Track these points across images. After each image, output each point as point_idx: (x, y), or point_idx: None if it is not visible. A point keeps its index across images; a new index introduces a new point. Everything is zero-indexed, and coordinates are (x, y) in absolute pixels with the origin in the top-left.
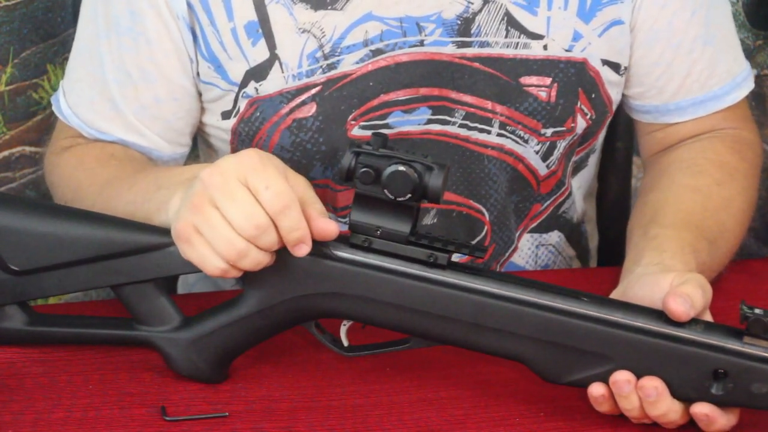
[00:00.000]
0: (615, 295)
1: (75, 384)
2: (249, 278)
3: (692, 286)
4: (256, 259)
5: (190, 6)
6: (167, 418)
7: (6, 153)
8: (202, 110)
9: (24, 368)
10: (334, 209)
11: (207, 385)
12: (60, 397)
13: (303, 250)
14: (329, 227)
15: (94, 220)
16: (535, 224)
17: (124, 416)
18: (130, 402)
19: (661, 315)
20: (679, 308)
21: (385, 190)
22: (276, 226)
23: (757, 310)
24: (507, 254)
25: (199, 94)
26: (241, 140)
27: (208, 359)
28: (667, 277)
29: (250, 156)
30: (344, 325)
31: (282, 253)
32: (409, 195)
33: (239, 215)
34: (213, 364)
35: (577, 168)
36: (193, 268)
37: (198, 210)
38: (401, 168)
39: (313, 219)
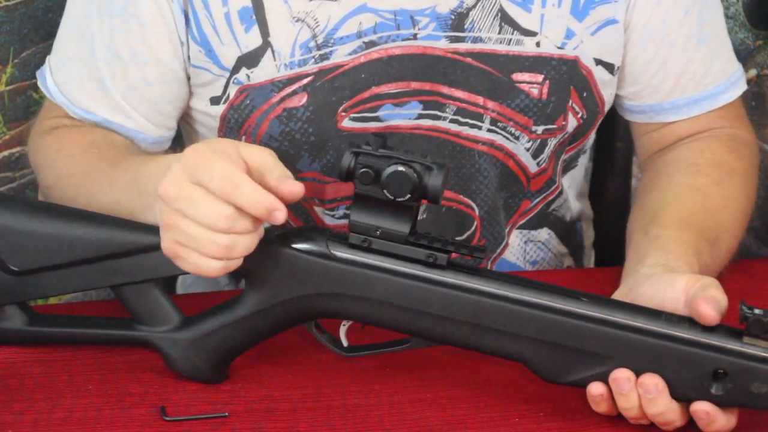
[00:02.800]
0: (619, 294)
1: (75, 384)
2: (249, 278)
3: (718, 291)
4: (246, 243)
5: None
6: (167, 418)
7: (6, 153)
8: (190, 95)
9: (24, 368)
10: (321, 202)
11: (207, 385)
12: (60, 397)
13: (278, 217)
14: (293, 188)
15: (93, 220)
16: (524, 221)
17: (124, 416)
18: (130, 402)
19: (660, 315)
20: (712, 312)
21: (385, 191)
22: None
23: (756, 311)
24: (498, 251)
25: (188, 79)
26: (229, 128)
27: (208, 359)
28: (680, 278)
29: (189, 155)
30: (344, 325)
31: (281, 253)
32: (409, 195)
33: (206, 215)
34: (213, 364)
35: (567, 167)
36: (187, 272)
37: (171, 227)
38: (401, 168)
39: (274, 187)
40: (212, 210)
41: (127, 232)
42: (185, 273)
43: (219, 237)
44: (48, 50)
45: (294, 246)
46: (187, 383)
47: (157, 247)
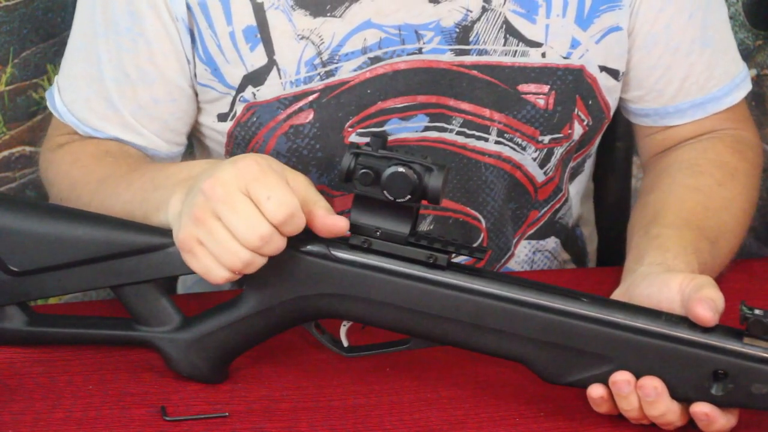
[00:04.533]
0: (617, 294)
1: (75, 384)
2: (249, 279)
3: (713, 290)
4: (260, 264)
5: (189, 8)
6: (167, 418)
7: (6, 153)
8: (199, 110)
9: (24, 368)
10: None
11: (207, 385)
12: (60, 397)
13: None
14: (339, 223)
15: (93, 220)
16: (532, 231)
17: (124, 416)
18: (130, 402)
19: (660, 315)
20: (708, 314)
21: (385, 192)
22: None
23: (756, 311)
24: (503, 260)
25: (196, 95)
26: (236, 144)
27: (208, 359)
28: (675, 278)
29: (249, 164)
30: (344, 325)
31: (282, 254)
32: (409, 196)
33: (243, 227)
34: (213, 364)
35: (575, 174)
36: (191, 270)
37: (200, 222)
38: (400, 169)
39: (321, 217)
40: (252, 225)
41: (127, 232)
42: (186, 273)
43: (243, 252)
44: (48, 50)
45: (294, 247)
46: (187, 383)
47: (157, 247)
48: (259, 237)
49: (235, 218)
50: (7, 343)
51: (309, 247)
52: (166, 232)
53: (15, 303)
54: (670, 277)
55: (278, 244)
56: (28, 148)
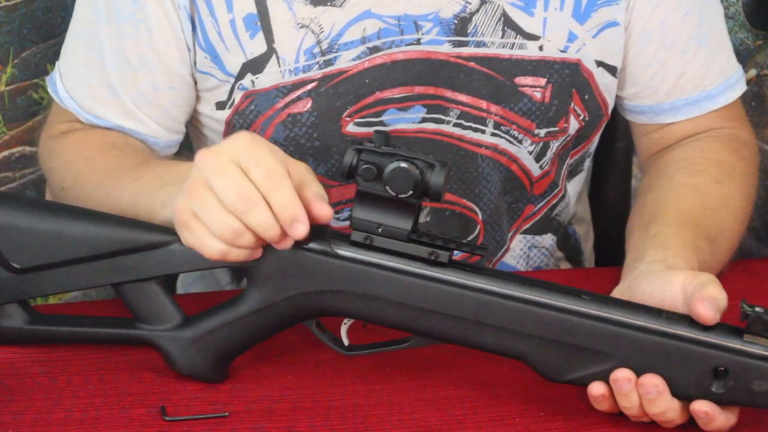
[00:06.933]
0: (617, 292)
1: (75, 384)
2: (250, 276)
3: (716, 288)
4: (250, 240)
5: None
6: (167, 418)
7: (6, 153)
8: (197, 98)
9: (24, 368)
10: None
11: (207, 385)
12: (60, 397)
13: (299, 229)
14: (323, 211)
15: (95, 218)
16: (528, 225)
17: (124, 416)
18: (130, 402)
19: (660, 313)
20: (709, 312)
21: (387, 188)
22: (270, 205)
23: (757, 309)
24: (499, 254)
25: (195, 83)
26: (234, 132)
27: (209, 358)
28: (677, 276)
29: (242, 137)
30: (345, 323)
31: (282, 251)
32: (411, 192)
33: (229, 191)
34: (213, 363)
35: (573, 172)
36: (193, 266)
37: (193, 193)
38: (403, 165)
39: (307, 200)
40: (237, 188)
41: (128, 230)
42: (187, 270)
43: (229, 218)
44: (48, 50)
45: (296, 243)
46: (187, 383)
47: (158, 245)
48: (245, 200)
49: (222, 183)
50: (8, 342)
51: (310, 244)
52: (168, 230)
53: (16, 301)
54: (672, 275)
55: (265, 215)
56: (28, 148)
